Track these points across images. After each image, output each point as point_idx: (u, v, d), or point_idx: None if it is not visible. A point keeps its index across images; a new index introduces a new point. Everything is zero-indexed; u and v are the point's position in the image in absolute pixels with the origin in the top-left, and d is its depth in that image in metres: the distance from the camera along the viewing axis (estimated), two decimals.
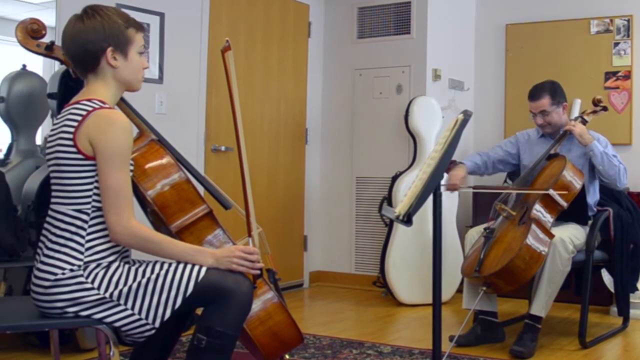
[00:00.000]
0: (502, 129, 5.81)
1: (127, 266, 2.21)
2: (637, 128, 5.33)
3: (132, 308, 2.16)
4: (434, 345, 2.57)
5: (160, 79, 4.48)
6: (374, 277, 5.46)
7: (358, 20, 5.71)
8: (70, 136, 2.15)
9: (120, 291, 2.16)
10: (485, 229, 3.83)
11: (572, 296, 4.21)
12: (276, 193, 5.42)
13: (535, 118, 4.12)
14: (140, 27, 2.31)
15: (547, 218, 3.77)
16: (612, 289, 4.42)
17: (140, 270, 2.20)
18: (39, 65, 4.26)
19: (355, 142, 5.70)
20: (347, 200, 5.73)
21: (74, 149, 2.15)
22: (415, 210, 2.45)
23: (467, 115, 2.55)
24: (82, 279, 2.14)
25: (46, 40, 2.52)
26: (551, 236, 3.67)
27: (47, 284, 2.15)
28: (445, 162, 2.51)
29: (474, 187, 4.00)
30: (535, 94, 4.11)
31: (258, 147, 5.23)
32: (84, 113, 2.17)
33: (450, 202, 5.13)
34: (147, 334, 2.20)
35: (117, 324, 2.17)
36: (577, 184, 3.82)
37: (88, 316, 2.16)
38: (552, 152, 4.04)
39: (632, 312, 4.38)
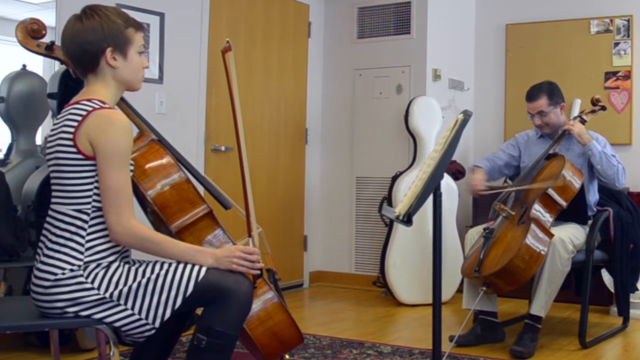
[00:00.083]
0: (502, 129, 5.81)
1: (127, 266, 2.21)
2: (637, 128, 5.33)
3: (132, 308, 2.16)
4: (434, 345, 2.57)
5: (160, 79, 4.48)
6: (374, 277, 5.46)
7: (358, 20, 5.71)
8: (70, 136, 2.15)
9: (120, 291, 2.16)
10: (484, 229, 3.83)
11: (572, 296, 4.21)
12: (276, 193, 5.42)
13: (533, 119, 4.12)
14: (140, 27, 2.31)
15: (547, 218, 3.77)
16: (612, 289, 4.42)
17: (140, 270, 2.20)
18: (39, 65, 4.26)
19: (355, 142, 5.70)
20: (347, 200, 5.73)
21: (74, 149, 2.15)
22: (415, 210, 2.45)
23: (467, 115, 2.55)
24: (82, 279, 2.14)
25: (46, 40, 2.52)
26: (551, 236, 3.67)
27: (47, 284, 2.15)
28: (445, 162, 2.51)
29: (491, 188, 4.00)
30: (532, 94, 4.11)
31: (258, 147, 5.23)
32: (84, 113, 2.17)
33: (450, 202, 5.13)
34: (147, 334, 2.20)
35: (117, 324, 2.17)
36: (577, 183, 3.82)
37: (88, 316, 2.16)
38: (551, 151, 4.04)
39: (632, 312, 4.38)
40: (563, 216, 3.86)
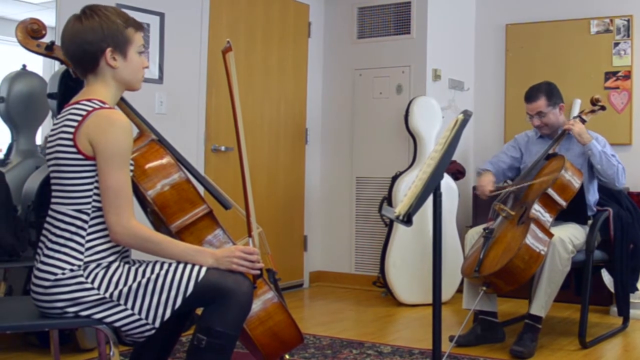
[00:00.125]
0: (502, 129, 5.81)
1: (127, 266, 2.21)
2: (637, 128, 5.33)
3: (132, 308, 2.16)
4: (434, 345, 2.57)
5: (160, 79, 4.48)
6: (374, 277, 5.46)
7: (358, 20, 5.71)
8: (70, 136, 2.15)
9: (120, 291, 2.16)
10: (484, 229, 3.83)
11: (572, 296, 4.21)
12: (276, 193, 5.42)
13: (532, 120, 4.12)
14: (140, 27, 2.31)
15: (546, 217, 3.77)
16: (612, 289, 4.42)
17: (140, 270, 2.20)
18: (39, 65, 4.26)
19: (355, 142, 5.70)
20: (347, 200, 5.73)
21: (74, 149, 2.15)
22: (415, 210, 2.45)
23: (467, 115, 2.55)
24: (82, 279, 2.14)
25: (46, 40, 2.52)
26: (550, 235, 3.67)
27: (47, 284, 2.15)
28: (445, 162, 2.51)
29: (498, 189, 4.00)
30: (531, 95, 4.11)
31: (258, 147, 5.23)
32: (84, 113, 2.17)
33: (450, 202, 5.13)
34: (147, 334, 2.20)
35: (117, 324, 2.17)
36: (576, 183, 3.82)
37: (88, 316, 2.16)
38: (550, 151, 4.04)
39: (632, 312, 4.38)
40: (563, 216, 3.86)
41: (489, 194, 4.00)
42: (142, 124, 2.60)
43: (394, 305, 5.02)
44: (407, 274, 5.02)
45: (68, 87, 3.44)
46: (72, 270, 2.14)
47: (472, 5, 5.93)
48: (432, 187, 2.48)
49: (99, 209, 2.18)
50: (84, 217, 2.17)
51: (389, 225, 5.16)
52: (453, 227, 5.16)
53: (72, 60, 2.27)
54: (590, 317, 4.11)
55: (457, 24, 5.78)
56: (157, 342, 2.41)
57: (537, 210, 3.77)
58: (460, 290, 4.51)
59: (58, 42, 2.42)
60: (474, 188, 5.37)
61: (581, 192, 3.87)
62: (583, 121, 4.07)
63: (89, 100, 2.21)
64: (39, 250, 2.22)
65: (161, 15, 4.47)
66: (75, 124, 2.16)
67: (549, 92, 4.08)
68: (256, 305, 2.46)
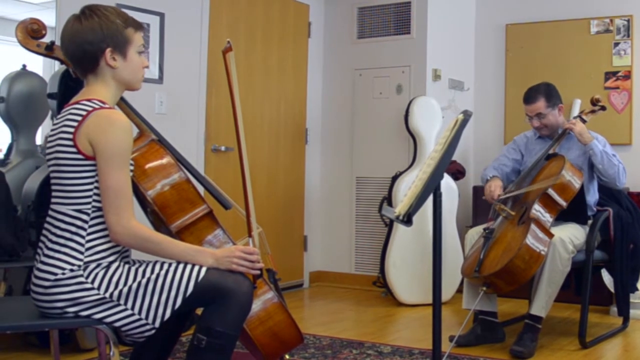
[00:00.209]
0: (502, 129, 5.81)
1: (127, 266, 2.21)
2: (637, 128, 5.33)
3: (132, 308, 2.16)
4: (434, 345, 2.57)
5: (160, 79, 4.48)
6: (374, 277, 5.46)
7: (358, 20, 5.71)
8: (70, 136, 2.15)
9: (120, 291, 2.16)
10: (484, 229, 3.83)
11: (572, 296, 4.21)
12: (276, 193, 5.42)
13: (532, 121, 4.11)
14: (139, 26, 2.31)
15: (547, 218, 3.77)
16: (612, 289, 4.42)
17: (140, 270, 2.20)
18: (39, 65, 4.26)
19: (355, 142, 5.70)
20: (347, 200, 5.73)
21: (73, 149, 2.15)
22: (415, 210, 2.45)
23: (467, 115, 2.55)
24: (82, 279, 2.14)
25: (46, 40, 2.52)
26: (551, 236, 3.67)
27: (47, 284, 2.15)
28: (445, 162, 2.51)
29: (505, 192, 3.99)
30: (530, 96, 4.10)
31: (258, 147, 5.23)
32: (84, 113, 2.17)
33: (450, 202, 5.13)
34: (147, 334, 2.20)
35: (117, 324, 2.17)
36: (576, 183, 3.82)
37: (88, 316, 2.16)
38: (550, 151, 4.04)
39: (632, 312, 4.38)
40: (563, 216, 3.86)
41: (497, 198, 3.96)
42: (142, 124, 2.60)
43: (394, 305, 5.02)
44: (407, 274, 5.02)
45: (68, 87, 3.44)
46: (72, 270, 2.14)
47: (472, 5, 5.93)
48: (432, 187, 2.48)
49: (99, 209, 2.18)
50: (84, 217, 2.17)
51: (389, 225, 5.16)
52: (453, 227, 5.16)
53: (71, 60, 2.27)
54: (590, 317, 4.11)
55: (457, 24, 5.78)
56: (157, 342, 2.41)
57: (538, 210, 3.77)
58: (460, 290, 4.50)
59: (58, 42, 2.42)
60: (475, 189, 5.39)
61: (581, 192, 3.87)
62: (583, 121, 4.07)
63: (88, 100, 2.20)
64: (39, 250, 2.22)
65: (161, 15, 4.47)
66: (75, 124, 2.16)
67: (548, 93, 4.08)
68: (256, 305, 2.46)
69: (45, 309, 2.18)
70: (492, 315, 3.92)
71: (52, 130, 2.25)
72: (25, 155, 4.12)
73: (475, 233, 4.06)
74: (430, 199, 2.50)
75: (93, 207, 2.18)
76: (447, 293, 5.01)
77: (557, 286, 3.75)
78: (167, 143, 2.59)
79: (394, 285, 5.03)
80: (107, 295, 2.15)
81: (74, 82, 2.83)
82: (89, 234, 2.18)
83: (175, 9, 4.56)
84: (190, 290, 2.19)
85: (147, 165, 2.42)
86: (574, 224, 3.94)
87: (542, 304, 3.73)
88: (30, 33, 2.46)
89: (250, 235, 2.50)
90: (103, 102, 2.21)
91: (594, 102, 4.18)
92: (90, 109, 2.17)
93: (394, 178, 5.17)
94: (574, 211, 3.88)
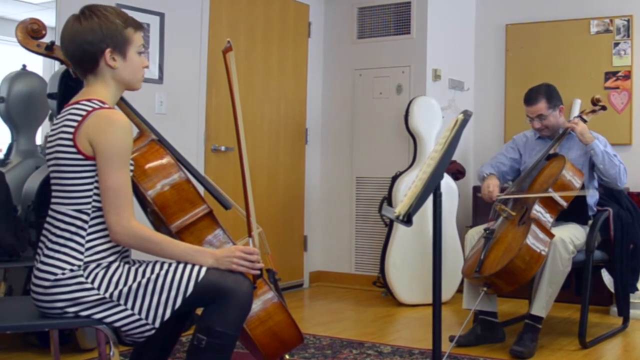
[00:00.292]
0: (502, 129, 5.81)
1: (127, 266, 2.21)
2: (637, 128, 5.33)
3: (132, 308, 2.16)
4: (434, 345, 2.57)
5: (160, 79, 4.48)
6: (374, 277, 5.46)
7: (358, 20, 5.71)
8: (70, 136, 2.15)
9: (120, 291, 2.16)
10: (485, 229, 3.83)
11: (572, 296, 4.21)
12: (276, 193, 5.42)
13: (533, 122, 4.11)
14: (139, 26, 2.31)
15: (547, 218, 3.77)
16: (612, 289, 4.42)
17: (140, 270, 2.20)
18: (39, 65, 4.26)
19: (355, 142, 5.70)
20: (347, 200, 5.73)
21: (73, 149, 2.15)
22: (415, 210, 2.45)
23: (467, 115, 2.55)
24: (82, 279, 2.14)
25: (46, 40, 2.52)
26: (551, 236, 3.67)
27: (47, 284, 2.15)
28: (445, 162, 2.51)
29: (505, 193, 3.99)
30: (531, 98, 4.09)
31: (258, 147, 5.23)
32: (84, 113, 2.17)
33: (450, 202, 5.13)
34: (147, 334, 2.20)
35: (117, 324, 2.17)
36: (577, 183, 3.82)
37: (88, 316, 2.16)
38: (551, 151, 4.04)
39: (632, 312, 4.38)
40: (563, 216, 3.86)
41: (496, 199, 3.97)
42: (142, 124, 2.60)
43: (394, 305, 5.02)
44: (407, 274, 5.02)
45: (68, 87, 3.44)
46: (72, 271, 2.14)
47: (472, 5, 5.93)
48: (432, 187, 2.48)
49: (99, 209, 2.18)
50: (84, 217, 2.17)
51: (389, 225, 5.16)
52: (453, 227, 5.16)
53: (71, 60, 2.27)
54: (590, 317, 4.11)
55: (457, 24, 5.78)
56: (157, 342, 2.41)
57: (538, 210, 3.77)
58: (460, 290, 4.51)
59: (58, 42, 2.42)
60: (475, 189, 5.39)
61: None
62: (584, 121, 4.06)
63: (88, 100, 2.20)
64: (39, 250, 2.22)
65: (161, 15, 4.47)
66: (75, 124, 2.16)
67: (549, 94, 4.08)
68: (256, 305, 2.46)
69: (45, 309, 2.18)
70: (492, 315, 3.92)
71: (52, 130, 2.25)
72: (25, 155, 4.12)
73: (475, 233, 4.06)
74: (430, 199, 2.50)
75: (93, 207, 2.18)
76: (447, 293, 5.01)
77: (558, 286, 3.75)
78: (167, 143, 2.59)
79: (394, 285, 5.03)
80: (107, 295, 2.15)
81: (74, 82, 2.83)
82: (89, 234, 2.17)
83: (175, 9, 4.56)
84: (190, 290, 2.19)
85: (147, 165, 2.42)
86: (574, 224, 3.94)
87: (542, 304, 3.73)
88: (30, 33, 2.46)
89: (250, 235, 2.50)
90: (103, 102, 2.21)
91: (595, 102, 4.18)
92: (90, 109, 2.17)
93: (394, 178, 5.17)
94: (574, 211, 3.88)
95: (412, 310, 4.89)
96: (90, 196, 2.17)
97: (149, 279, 2.18)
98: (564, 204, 3.79)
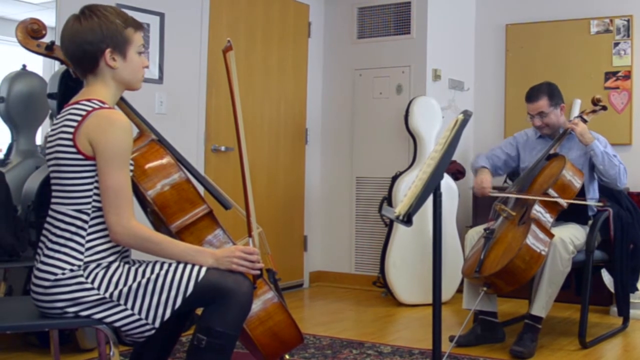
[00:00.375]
0: (502, 129, 5.81)
1: (127, 266, 2.21)
2: (637, 128, 5.33)
3: (132, 308, 2.16)
4: (434, 345, 2.57)
5: (160, 79, 4.48)
6: (374, 277, 5.46)
7: (358, 20, 5.71)
8: (70, 136, 2.15)
9: (120, 291, 2.16)
10: (485, 229, 3.83)
11: (572, 296, 4.21)
12: (276, 193, 5.42)
13: (533, 120, 4.11)
14: (139, 26, 2.30)
15: (547, 218, 3.77)
16: (612, 289, 4.42)
17: (140, 270, 2.20)
18: (39, 65, 4.26)
19: (355, 142, 5.70)
20: (347, 200, 5.73)
21: (73, 149, 2.15)
22: (415, 210, 2.45)
23: (467, 115, 2.55)
24: (82, 279, 2.14)
25: (46, 40, 2.52)
26: (551, 236, 3.67)
27: (47, 284, 2.15)
28: (445, 162, 2.51)
29: (498, 191, 4.00)
30: (532, 95, 4.10)
31: (258, 147, 5.23)
32: (84, 113, 2.17)
33: (450, 202, 5.13)
34: (147, 334, 2.20)
35: (117, 324, 2.17)
36: (577, 183, 3.82)
37: (88, 316, 2.16)
38: (551, 151, 4.04)
39: (632, 312, 4.38)
40: (563, 216, 3.86)
41: (488, 194, 3.99)
42: (142, 124, 2.60)
43: (394, 305, 5.02)
44: (407, 274, 5.02)
45: (68, 87, 3.44)
46: (72, 271, 2.14)
47: (472, 5, 5.93)
48: (432, 187, 2.48)
49: (99, 209, 2.18)
50: (84, 217, 2.17)
51: (389, 225, 5.16)
52: (453, 227, 5.16)
53: (71, 60, 2.27)
54: (590, 317, 4.11)
55: (457, 24, 5.78)
56: (157, 342, 2.40)
57: (538, 210, 3.77)
58: (460, 290, 4.50)
59: (58, 42, 2.42)
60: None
61: (582, 193, 3.86)
62: (584, 121, 4.06)
63: (88, 100, 2.20)
64: (39, 251, 2.22)
65: (161, 15, 4.47)
66: (75, 124, 2.16)
67: (551, 92, 4.08)
68: (256, 306, 2.46)
69: (45, 309, 2.18)
70: (492, 315, 3.92)
71: (52, 130, 2.25)
72: (25, 155, 4.12)
73: (475, 233, 4.06)
74: (430, 199, 2.50)
75: (93, 207, 2.18)
76: (447, 293, 5.01)
77: (558, 286, 3.75)
78: (167, 143, 2.59)
79: (394, 285, 5.03)
80: (107, 295, 2.15)
81: (74, 82, 2.83)
82: (89, 234, 2.17)
83: (175, 9, 4.56)
84: (190, 290, 2.18)
85: (147, 165, 2.41)
86: (574, 224, 3.94)
87: (542, 304, 3.73)
88: (30, 33, 2.46)
89: (250, 235, 2.50)
90: (103, 102, 2.21)
91: (595, 102, 4.18)
92: (90, 109, 2.17)
93: (394, 178, 5.17)
94: (574, 211, 3.88)
95: (412, 310, 4.89)
96: (90, 196, 2.17)
97: (149, 279, 2.18)
98: (564, 204, 3.79)
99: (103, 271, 2.17)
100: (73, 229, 2.17)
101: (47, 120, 4.15)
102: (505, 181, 4.88)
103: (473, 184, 4.13)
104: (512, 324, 4.30)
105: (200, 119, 4.75)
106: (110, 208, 2.14)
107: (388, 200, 5.14)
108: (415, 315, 4.73)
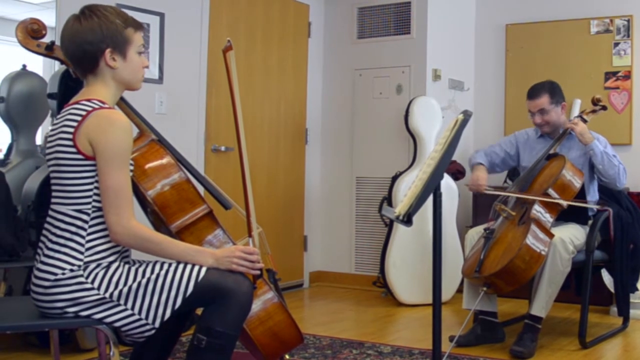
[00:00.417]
0: (502, 129, 5.81)
1: (127, 266, 2.21)
2: (637, 128, 5.33)
3: (132, 308, 2.16)
4: (434, 345, 2.57)
5: (160, 79, 4.48)
6: (374, 277, 5.46)
7: (358, 20, 5.71)
8: (70, 136, 2.15)
9: (120, 291, 2.16)
10: (485, 229, 3.83)
11: (572, 296, 4.21)
12: (276, 193, 5.42)
13: (534, 117, 4.11)
14: (139, 26, 2.30)
15: (547, 218, 3.77)
16: (612, 289, 4.42)
17: (140, 270, 2.20)
18: (39, 65, 4.26)
19: (355, 142, 5.70)
20: (347, 200, 5.73)
21: (73, 149, 2.15)
22: (415, 210, 2.45)
23: (467, 115, 2.55)
24: (82, 279, 2.14)
25: (46, 40, 2.52)
26: (551, 236, 3.67)
27: (47, 284, 2.15)
28: (445, 162, 2.51)
29: (495, 189, 4.00)
30: (534, 92, 4.10)
31: (258, 147, 5.23)
32: (84, 113, 2.17)
33: (450, 202, 5.13)
34: (147, 334, 2.20)
35: (117, 324, 2.17)
36: (577, 183, 3.82)
37: (88, 316, 2.16)
38: (551, 151, 4.04)
39: (632, 312, 4.38)
40: (563, 216, 3.86)
41: (483, 191, 4.01)
42: (142, 124, 2.60)
43: (394, 305, 5.02)
44: (407, 274, 5.02)
45: (68, 87, 3.44)
46: (72, 271, 2.14)
47: (472, 5, 5.93)
48: (432, 187, 2.48)
49: (99, 209, 2.18)
50: (84, 217, 2.17)
51: (389, 225, 5.16)
52: (453, 227, 5.16)
53: (71, 60, 2.27)
54: (590, 317, 4.11)
55: (457, 24, 5.78)
56: (157, 342, 2.41)
57: (538, 210, 3.77)
58: (460, 290, 4.50)
59: (58, 42, 2.42)
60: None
61: (582, 193, 3.86)
62: (584, 121, 4.06)
63: (88, 100, 2.20)
64: (39, 251, 2.22)
65: (161, 15, 4.47)
66: (75, 124, 2.16)
67: (552, 90, 4.08)
68: (256, 306, 2.46)
69: (45, 309, 2.18)
70: (492, 315, 3.92)
71: (51, 130, 2.25)
72: (25, 155, 4.12)
73: (475, 233, 4.06)
74: (430, 199, 2.50)
75: (93, 207, 2.18)
76: (447, 293, 5.01)
77: (558, 286, 3.75)
78: (167, 143, 2.59)
79: (394, 285, 5.03)
80: (107, 295, 2.15)
81: (74, 82, 2.83)
82: (89, 234, 2.17)
83: (175, 9, 4.56)
84: (190, 290, 2.19)
85: (147, 165, 2.41)
86: (574, 224, 3.94)
87: (542, 304, 3.73)
88: (30, 33, 2.46)
89: (250, 235, 2.50)
90: (103, 102, 2.21)
91: (595, 102, 4.18)
92: (90, 109, 2.17)
93: (394, 178, 5.17)
94: (574, 211, 3.88)
95: (412, 310, 4.89)
96: (90, 196, 2.17)
97: (149, 279, 2.18)
98: (564, 204, 3.79)
99: (103, 271, 2.17)
100: (73, 229, 2.17)
101: (47, 120, 4.15)
102: (505, 181, 4.89)
103: (469, 180, 4.13)
104: (512, 324, 4.30)
105: (200, 119, 4.75)
106: (110, 208, 2.14)
107: (388, 200, 5.14)
108: (415, 315, 4.73)
